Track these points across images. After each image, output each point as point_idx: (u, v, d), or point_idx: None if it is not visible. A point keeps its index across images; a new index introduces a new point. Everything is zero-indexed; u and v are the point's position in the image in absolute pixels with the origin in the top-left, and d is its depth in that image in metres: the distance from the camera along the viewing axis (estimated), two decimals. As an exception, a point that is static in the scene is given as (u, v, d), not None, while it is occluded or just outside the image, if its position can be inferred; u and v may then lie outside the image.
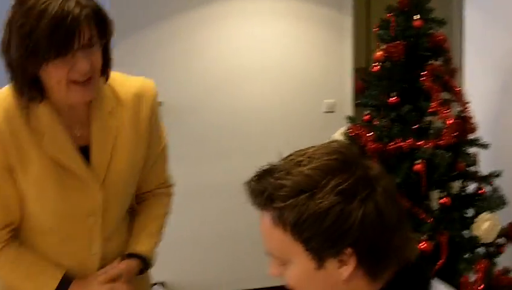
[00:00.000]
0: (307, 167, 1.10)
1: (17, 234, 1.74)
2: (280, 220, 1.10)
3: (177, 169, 3.75)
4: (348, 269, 1.10)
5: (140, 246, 1.84)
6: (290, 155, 1.16)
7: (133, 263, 1.81)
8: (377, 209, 1.09)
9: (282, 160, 1.16)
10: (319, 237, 1.08)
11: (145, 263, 1.85)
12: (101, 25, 1.58)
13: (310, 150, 1.15)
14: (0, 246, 1.70)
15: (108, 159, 1.71)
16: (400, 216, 1.14)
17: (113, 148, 1.71)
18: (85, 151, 1.69)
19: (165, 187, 1.96)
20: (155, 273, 4.37)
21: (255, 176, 1.15)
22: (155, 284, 3.87)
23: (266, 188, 1.11)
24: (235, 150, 4.14)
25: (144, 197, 1.91)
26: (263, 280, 4.14)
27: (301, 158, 1.12)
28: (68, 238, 1.74)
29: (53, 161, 1.65)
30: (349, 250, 1.08)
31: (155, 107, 1.83)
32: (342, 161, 1.11)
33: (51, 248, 1.74)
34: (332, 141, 1.20)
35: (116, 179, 1.73)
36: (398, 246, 1.12)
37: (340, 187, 1.07)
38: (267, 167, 1.15)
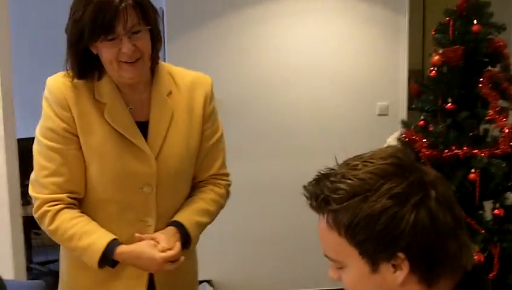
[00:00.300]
0: (362, 170, 1.11)
1: (80, 205, 1.91)
2: (335, 223, 1.12)
3: (231, 167, 3.78)
4: (402, 274, 1.10)
5: (182, 216, 1.94)
6: (347, 160, 1.18)
7: (172, 229, 1.90)
8: (430, 214, 1.09)
9: (339, 165, 1.17)
10: (372, 240, 1.09)
11: (185, 234, 1.91)
12: (144, 14, 1.78)
13: (366, 155, 1.16)
14: (62, 207, 1.86)
15: (164, 135, 1.90)
16: (456, 223, 1.13)
17: (169, 126, 1.90)
18: (143, 127, 1.89)
19: (220, 179, 2.06)
20: (202, 272, 4.42)
21: (312, 180, 1.17)
22: (202, 281, 3.91)
23: (322, 191, 1.13)
24: (288, 149, 4.17)
25: (199, 185, 2.03)
26: (313, 282, 4.16)
27: (357, 162, 1.14)
28: (126, 207, 1.90)
29: (113, 130, 1.86)
30: (401, 254, 1.09)
31: (209, 96, 2.00)
32: (396, 165, 1.12)
33: (110, 218, 1.89)
34: (388, 146, 1.20)
35: (170, 155, 1.90)
36: (453, 253, 1.12)
37: (393, 191, 1.08)
38: (325, 171, 1.17)
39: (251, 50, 4.10)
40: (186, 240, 1.91)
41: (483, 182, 2.44)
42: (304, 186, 1.18)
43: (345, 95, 4.21)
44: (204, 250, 4.22)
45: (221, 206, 2.06)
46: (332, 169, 1.17)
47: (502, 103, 2.57)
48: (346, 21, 4.18)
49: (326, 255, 1.19)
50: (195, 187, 2.03)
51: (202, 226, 1.99)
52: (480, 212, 2.52)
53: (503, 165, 2.42)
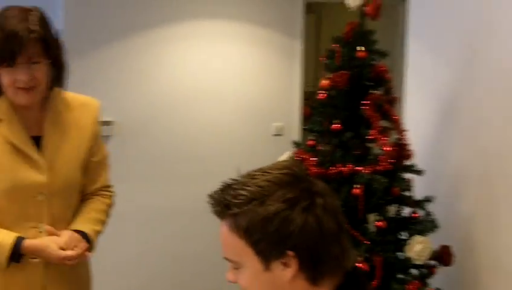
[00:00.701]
0: (261, 179, 1.26)
1: None
2: (235, 226, 1.25)
3: (126, 189, 3.84)
4: (290, 271, 1.23)
5: (81, 226, 2.19)
6: (249, 171, 1.31)
7: (76, 234, 2.15)
8: (316, 219, 1.24)
9: (242, 175, 1.31)
10: (266, 240, 1.23)
11: (87, 240, 2.17)
12: (47, 48, 2.01)
13: (266, 167, 1.31)
14: None
15: (56, 147, 2.12)
16: (339, 229, 1.28)
17: (60, 140, 2.13)
18: (37, 141, 2.11)
19: (106, 191, 2.34)
20: None
21: (218, 189, 1.30)
22: None
23: (225, 198, 1.26)
24: (184, 172, 4.21)
25: (88, 197, 2.28)
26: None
27: (257, 173, 1.29)
28: (21, 216, 2.08)
29: (9, 144, 2.05)
30: (291, 253, 1.22)
31: (97, 118, 2.26)
32: (290, 175, 1.27)
33: (6, 226, 2.06)
34: (285, 160, 1.34)
35: (62, 165, 2.12)
36: (336, 255, 1.27)
37: (286, 196, 1.23)
38: (229, 181, 1.30)
39: (150, 72, 4.14)
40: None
41: (367, 196, 2.63)
42: (209, 195, 1.30)
43: (242, 116, 4.34)
44: (98, 270, 4.26)
45: (109, 216, 2.35)
46: (235, 179, 1.30)
47: (383, 123, 2.78)
48: (243, 45, 4.31)
49: (225, 258, 1.31)
50: (84, 199, 2.27)
51: (98, 234, 2.26)
52: (365, 225, 2.70)
53: (384, 180, 2.62)
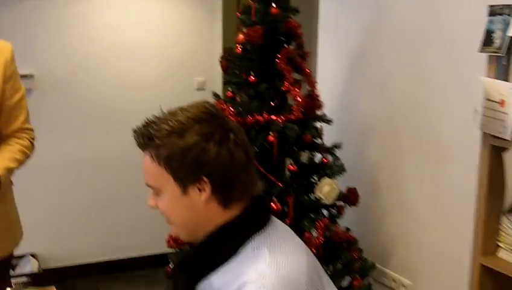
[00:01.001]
0: (181, 115, 1.42)
1: None
2: (157, 156, 1.41)
3: (50, 142, 3.92)
4: (205, 195, 1.41)
5: None
6: (170, 110, 1.47)
7: None
8: (228, 150, 1.41)
9: (163, 113, 1.47)
10: (184, 168, 1.39)
11: None
12: None
13: (185, 106, 1.47)
14: None
15: None
16: (248, 161, 1.46)
17: None
18: None
19: (24, 132, 2.33)
20: (27, 245, 4.50)
21: (142, 124, 1.46)
22: (25, 255, 4.01)
23: (148, 131, 1.42)
24: (106, 126, 4.28)
25: (5, 138, 2.29)
26: (136, 248, 4.40)
27: (177, 111, 1.45)
28: None
29: None
30: (205, 179, 1.40)
31: (9, 60, 2.26)
32: (208, 114, 1.44)
33: None
34: (204, 101, 1.51)
35: None
36: (244, 182, 1.45)
37: (203, 131, 1.40)
38: (151, 117, 1.46)
39: (69, 26, 4.14)
40: None
41: (281, 143, 2.85)
42: (134, 129, 1.46)
43: (165, 71, 4.43)
44: (29, 223, 4.32)
45: (27, 156, 2.34)
46: (158, 116, 1.46)
47: (296, 76, 2.99)
48: (166, 1, 4.40)
49: (147, 184, 1.47)
50: (1, 141, 2.28)
51: (11, 171, 2.26)
52: (280, 170, 2.92)
53: (296, 128, 2.84)
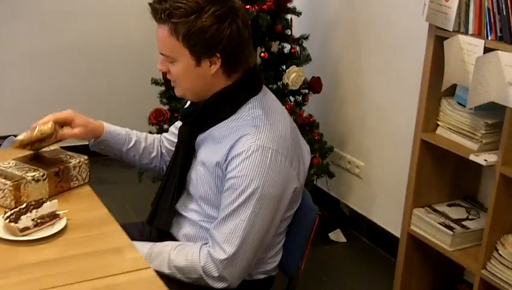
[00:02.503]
0: None
1: None
2: (175, 32, 1.64)
3: (31, 29, 4.00)
4: (215, 68, 1.68)
5: None
6: None
7: None
8: (238, 29, 1.67)
9: None
10: (200, 45, 1.64)
11: None
12: None
13: None
14: None
15: None
16: (249, 37, 1.74)
17: None
18: None
19: None
20: (4, 127, 4.68)
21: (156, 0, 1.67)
22: (9, 136, 4.20)
23: (167, 8, 1.63)
24: (81, 11, 4.29)
25: None
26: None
27: None
28: None
29: None
30: (218, 55, 1.66)
31: None
32: None
33: None
34: None
35: None
36: (246, 56, 1.73)
37: (217, 13, 1.63)
38: None
39: None
40: None
41: (253, 31, 3.08)
42: (150, 4, 1.67)
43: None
44: (8, 106, 4.54)
45: None
46: None
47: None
48: None
49: (161, 53, 1.72)
50: None
51: None
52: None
53: (268, 18, 3.10)
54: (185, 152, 1.83)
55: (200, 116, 1.77)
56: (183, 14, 1.63)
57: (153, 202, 1.90)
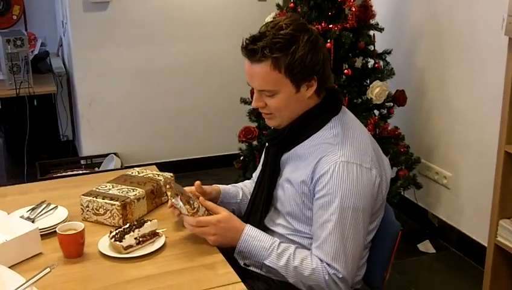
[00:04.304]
0: (289, 29, 1.75)
1: None
2: (277, 65, 1.74)
3: (130, 52, 4.24)
4: (311, 90, 1.79)
5: None
6: (267, 25, 1.79)
7: None
8: (325, 54, 1.80)
9: (263, 28, 1.78)
10: (301, 72, 1.75)
11: None
12: None
13: (280, 19, 1.79)
14: None
15: None
16: (329, 59, 1.85)
17: None
18: None
19: None
20: (110, 145, 4.93)
21: (249, 41, 1.77)
22: (110, 154, 4.43)
23: (266, 45, 1.73)
24: (175, 36, 4.55)
25: None
26: (201, 151, 4.85)
27: (280, 24, 1.77)
28: None
29: None
30: (315, 77, 1.78)
31: None
32: (303, 23, 1.80)
33: None
34: (291, 14, 1.87)
35: None
36: (331, 79, 1.86)
37: (311, 38, 1.75)
38: (257, 34, 1.78)
39: None
40: None
41: (337, 49, 3.21)
42: (245, 47, 1.76)
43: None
44: (111, 127, 4.78)
45: None
46: (261, 32, 1.76)
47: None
48: None
49: (261, 89, 1.80)
50: None
51: None
52: (337, 74, 3.29)
53: (351, 36, 3.19)
54: (271, 171, 1.94)
55: (286, 137, 1.88)
56: (283, 47, 1.73)
57: (242, 219, 1.98)
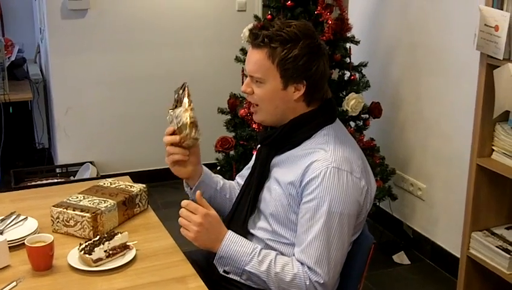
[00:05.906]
0: (294, 28, 1.80)
1: None
2: (272, 55, 1.79)
3: (107, 60, 4.21)
4: (298, 94, 1.82)
5: None
6: (277, 20, 1.85)
7: None
8: (323, 62, 1.83)
9: (276, 21, 1.83)
10: (292, 70, 1.79)
11: None
12: None
13: (294, 21, 1.85)
14: None
15: None
16: (328, 72, 1.89)
17: None
18: None
19: None
20: (86, 154, 4.89)
21: (257, 27, 1.84)
22: (86, 162, 4.43)
23: (269, 34, 1.79)
24: (156, 43, 4.58)
25: None
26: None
27: (291, 23, 1.82)
28: None
29: None
30: (304, 82, 1.81)
31: None
32: (312, 31, 1.85)
33: None
34: (306, 22, 1.90)
35: None
36: (326, 89, 1.88)
37: (311, 45, 1.80)
38: (266, 23, 1.84)
39: None
40: None
41: (313, 61, 3.23)
42: (251, 30, 1.83)
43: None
44: (88, 135, 4.74)
45: None
46: (270, 22, 1.82)
47: (328, 0, 3.33)
48: None
49: (251, 75, 1.84)
50: None
51: None
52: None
53: (327, 48, 3.20)
54: (261, 172, 1.95)
55: (278, 138, 1.90)
56: (282, 40, 1.78)
57: (225, 219, 1.98)
